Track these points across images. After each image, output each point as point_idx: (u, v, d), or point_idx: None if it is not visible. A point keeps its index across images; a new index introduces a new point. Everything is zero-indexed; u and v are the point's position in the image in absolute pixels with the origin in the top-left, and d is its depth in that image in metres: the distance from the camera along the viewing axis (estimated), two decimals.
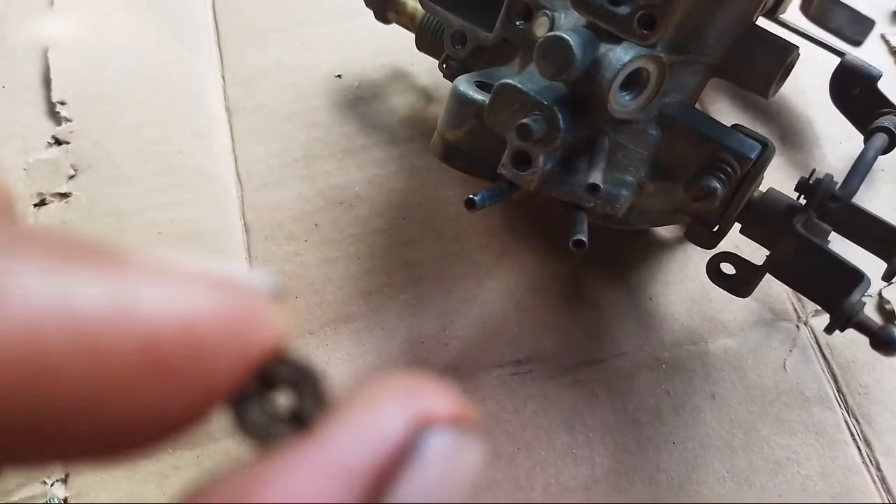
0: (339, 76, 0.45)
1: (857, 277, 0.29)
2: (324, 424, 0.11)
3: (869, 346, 0.35)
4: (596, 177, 0.29)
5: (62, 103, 0.44)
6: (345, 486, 0.11)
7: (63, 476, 0.36)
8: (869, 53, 0.43)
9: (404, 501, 0.11)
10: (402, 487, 0.11)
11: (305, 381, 0.12)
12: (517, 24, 0.33)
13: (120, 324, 0.10)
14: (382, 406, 0.12)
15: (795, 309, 0.38)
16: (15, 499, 0.36)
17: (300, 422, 0.12)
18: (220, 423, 0.12)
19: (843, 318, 0.28)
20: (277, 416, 0.12)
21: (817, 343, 0.37)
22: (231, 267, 0.12)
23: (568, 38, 0.28)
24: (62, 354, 0.10)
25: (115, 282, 0.10)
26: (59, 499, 0.36)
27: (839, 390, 0.36)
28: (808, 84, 0.43)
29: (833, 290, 0.29)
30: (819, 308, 0.36)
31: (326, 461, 0.11)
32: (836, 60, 0.41)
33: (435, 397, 0.12)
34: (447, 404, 0.12)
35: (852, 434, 0.35)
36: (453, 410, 0.12)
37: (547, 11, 0.32)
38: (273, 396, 0.12)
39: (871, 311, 0.38)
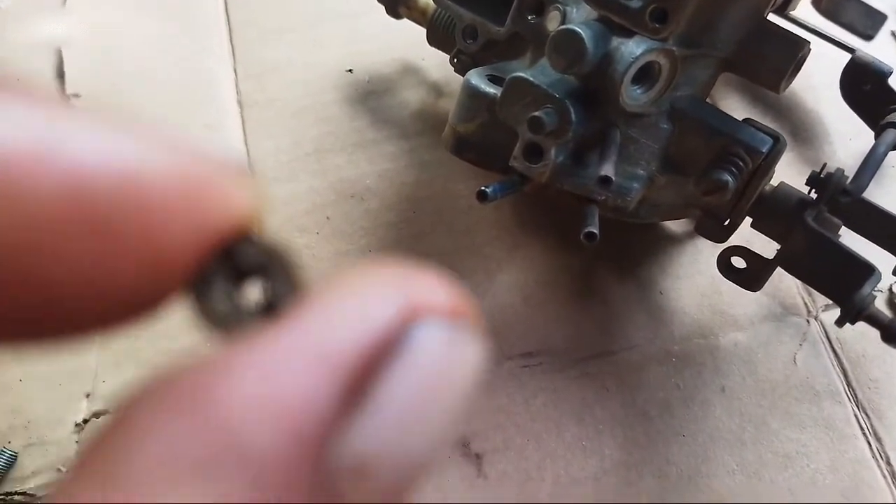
0: (349, 71, 0.45)
1: (867, 271, 0.29)
2: (299, 310, 0.09)
3: (879, 341, 0.35)
4: (608, 169, 0.29)
5: (76, 96, 0.44)
6: (324, 375, 0.09)
7: None
8: (880, 50, 0.43)
9: (390, 400, 0.09)
10: (387, 384, 0.09)
11: (276, 264, 0.11)
12: (529, 18, 0.34)
13: (42, 164, 0.09)
14: (368, 292, 0.10)
15: (806, 303, 0.38)
16: (30, 485, 0.36)
17: (270, 309, 0.10)
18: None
19: (853, 312, 0.28)
20: (244, 302, 0.10)
21: (827, 337, 0.37)
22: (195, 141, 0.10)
23: (580, 31, 0.28)
24: (20, 194, 0.08)
25: (41, 120, 0.09)
26: None
27: (849, 384, 0.36)
28: (818, 80, 0.43)
29: (844, 283, 0.29)
30: (829, 303, 0.36)
31: (303, 347, 0.09)
32: (847, 57, 0.41)
33: (429, 287, 0.10)
34: (443, 295, 0.10)
35: (862, 428, 0.35)
36: (450, 302, 0.10)
37: (558, 5, 0.33)
38: (239, 280, 0.10)
39: (881, 306, 0.38)
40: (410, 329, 0.09)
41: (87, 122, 0.10)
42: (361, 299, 0.09)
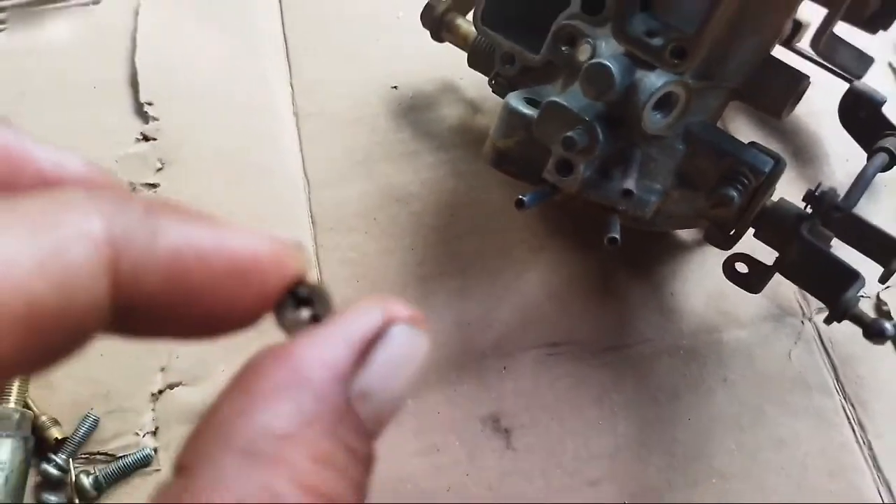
0: (395, 87, 0.50)
1: (853, 277, 0.33)
2: (333, 322, 0.19)
3: (865, 343, 0.39)
4: (630, 184, 0.33)
5: (150, 104, 0.49)
6: (348, 349, 0.18)
7: (153, 429, 0.41)
8: (876, 81, 0.47)
9: (379, 362, 0.18)
10: (378, 354, 0.18)
11: (320, 297, 0.20)
12: (562, 49, 0.38)
13: (218, 252, 0.18)
14: (366, 311, 0.18)
15: (801, 307, 0.42)
16: (111, 447, 0.41)
17: (316, 321, 0.20)
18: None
19: (840, 311, 0.33)
20: (301, 316, 0.19)
21: (820, 338, 0.41)
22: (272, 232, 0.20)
23: (609, 65, 0.32)
24: (191, 267, 0.17)
25: (215, 231, 0.18)
26: (150, 448, 0.41)
27: (838, 379, 0.40)
28: (819, 107, 0.48)
29: (833, 287, 0.33)
30: (822, 306, 0.40)
31: (335, 337, 0.18)
32: (845, 86, 0.45)
33: (399, 307, 0.19)
34: (406, 311, 0.19)
35: (848, 418, 0.39)
36: (410, 315, 0.19)
37: (589, 40, 0.37)
38: (299, 306, 0.19)
39: (869, 310, 0.42)
40: (390, 328, 0.18)
41: (230, 228, 0.19)
42: (364, 314, 0.19)
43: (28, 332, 0.15)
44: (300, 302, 0.20)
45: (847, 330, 0.41)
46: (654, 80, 0.33)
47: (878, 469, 0.38)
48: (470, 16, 0.44)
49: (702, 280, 0.43)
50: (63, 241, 0.15)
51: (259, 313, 0.19)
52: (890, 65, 0.50)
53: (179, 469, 0.17)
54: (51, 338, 0.15)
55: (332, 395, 0.17)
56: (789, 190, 0.39)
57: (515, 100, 0.38)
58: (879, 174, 0.45)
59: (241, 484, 0.16)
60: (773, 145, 0.36)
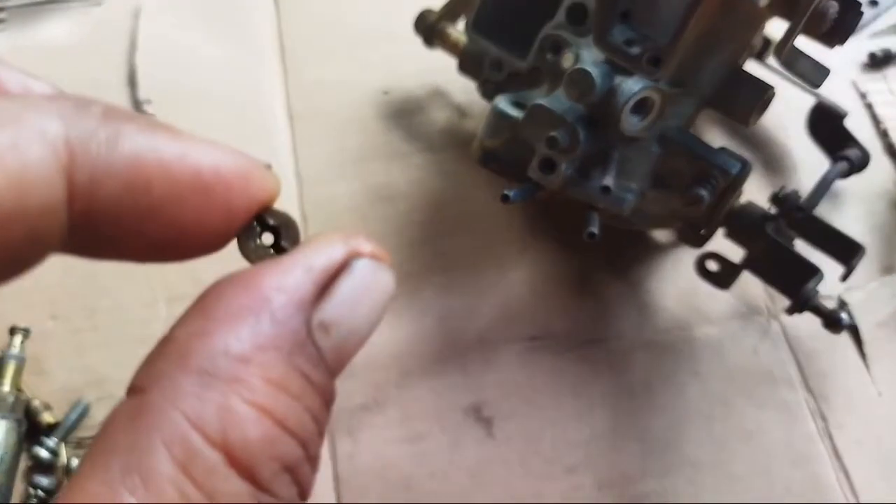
0: (386, 92, 0.52)
1: (813, 271, 0.36)
2: (296, 251, 0.18)
3: (829, 339, 0.42)
4: (608, 181, 0.36)
5: (148, 102, 0.51)
6: (309, 278, 0.17)
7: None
8: (841, 96, 0.51)
9: (341, 293, 0.18)
10: (340, 286, 0.18)
11: (287, 226, 0.20)
12: (547, 56, 0.40)
13: (182, 162, 0.17)
14: (331, 243, 0.18)
15: (767, 306, 0.45)
16: None
17: (281, 250, 0.19)
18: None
19: (801, 302, 0.35)
20: (266, 245, 0.19)
21: (785, 335, 0.44)
22: (241, 148, 0.20)
23: (591, 70, 0.35)
24: (152, 176, 0.17)
25: (177, 141, 0.17)
26: None
27: (802, 374, 0.43)
28: (788, 119, 0.51)
29: (794, 280, 0.36)
30: (787, 305, 0.43)
31: (302, 265, 0.18)
32: (813, 100, 0.48)
33: (362, 241, 0.19)
34: (370, 246, 0.19)
35: (811, 410, 0.42)
36: (373, 250, 0.19)
37: (573, 48, 0.40)
38: (264, 232, 0.19)
39: None
40: (353, 261, 0.18)
41: (195, 140, 0.18)
42: (328, 245, 0.18)
43: None
44: (267, 230, 0.19)
45: (811, 327, 0.43)
46: (632, 86, 0.35)
47: (839, 458, 0.40)
48: (460, 24, 0.47)
49: (675, 279, 0.45)
50: (20, 139, 0.15)
51: (223, 236, 0.19)
52: (854, 83, 0.53)
53: (133, 389, 0.16)
54: (5, 241, 0.15)
55: (291, 322, 0.17)
56: (759, 197, 0.41)
57: (503, 102, 0.40)
58: (844, 185, 0.48)
59: (196, 402, 0.15)
60: (744, 154, 0.38)
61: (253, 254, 0.19)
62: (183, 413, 0.15)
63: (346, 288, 0.18)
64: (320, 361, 0.17)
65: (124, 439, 0.15)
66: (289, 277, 0.17)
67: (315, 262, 0.18)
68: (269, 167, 0.19)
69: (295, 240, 0.19)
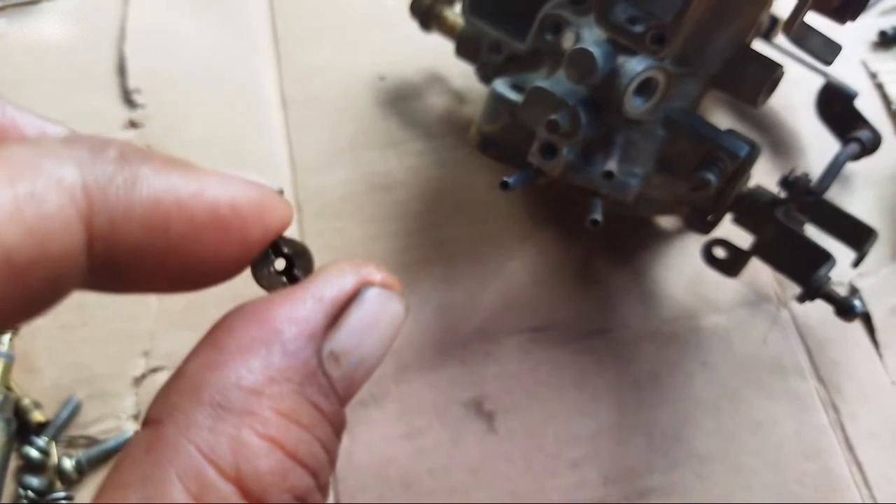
0: (382, 78, 0.51)
1: (825, 257, 0.34)
2: (309, 280, 0.19)
3: (840, 327, 0.40)
4: (611, 165, 0.34)
5: (137, 91, 0.49)
6: (320, 309, 0.18)
7: (135, 413, 0.41)
8: (850, 76, 0.49)
9: (351, 324, 0.18)
10: (350, 316, 0.18)
11: (300, 255, 0.20)
12: (547, 37, 0.39)
13: (199, 200, 0.18)
14: (341, 273, 0.19)
15: (777, 294, 0.43)
16: (92, 431, 0.41)
17: (293, 279, 0.20)
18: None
19: (812, 290, 0.34)
20: (280, 274, 0.20)
21: (795, 323, 0.42)
22: (254, 175, 0.20)
23: (592, 50, 0.33)
24: (170, 217, 0.17)
25: (193, 178, 0.18)
26: (131, 432, 0.41)
27: (812, 363, 0.41)
28: (797, 101, 0.49)
29: (805, 267, 0.34)
30: (797, 292, 0.41)
31: (313, 296, 0.18)
32: (822, 81, 0.47)
33: (374, 270, 0.19)
34: (381, 275, 0.19)
35: (822, 401, 0.40)
36: (384, 279, 0.19)
37: (573, 27, 0.38)
38: (277, 260, 0.20)
39: None
40: (363, 290, 0.19)
41: (210, 175, 0.18)
42: (339, 275, 0.19)
43: (3, 280, 0.15)
44: (281, 256, 0.20)
45: (821, 315, 0.42)
46: (635, 66, 0.34)
47: (851, 450, 0.39)
48: (457, 6, 0.45)
49: (682, 267, 0.44)
50: (37, 189, 0.15)
51: (241, 264, 0.19)
52: (863, 62, 0.52)
53: (149, 422, 0.17)
54: (26, 287, 0.15)
55: (302, 353, 0.17)
56: (768, 181, 0.40)
57: (501, 85, 0.38)
58: (854, 168, 0.47)
59: (209, 435, 0.16)
60: (752, 137, 0.36)
61: (266, 281, 0.19)
62: (196, 446, 0.16)
63: (356, 317, 0.18)
64: (331, 391, 0.18)
65: (139, 472, 0.15)
66: (300, 309, 0.18)
67: (326, 293, 0.18)
68: (281, 193, 0.20)
69: (308, 269, 0.20)
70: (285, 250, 0.20)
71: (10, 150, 0.16)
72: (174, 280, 0.18)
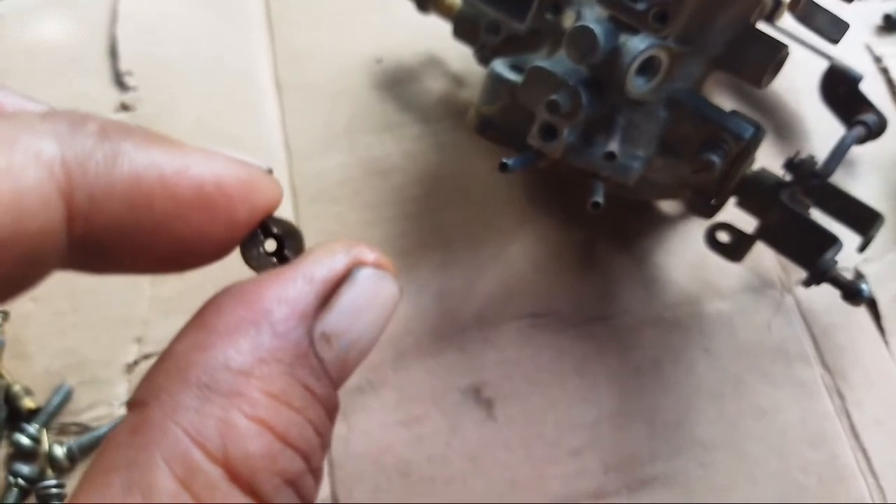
0: (379, 61, 0.50)
1: (831, 240, 0.33)
2: (299, 260, 0.18)
3: (845, 312, 0.40)
4: (613, 146, 0.33)
5: (129, 73, 0.49)
6: (314, 289, 0.17)
7: (128, 400, 0.40)
8: (855, 60, 0.48)
9: (343, 304, 0.18)
10: (342, 296, 0.18)
11: (290, 235, 0.19)
12: (547, 16, 0.38)
13: (183, 177, 0.17)
14: (332, 253, 0.18)
15: (781, 279, 0.43)
16: (84, 417, 0.40)
17: (284, 259, 0.19)
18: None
19: (818, 274, 0.33)
20: (269, 254, 0.19)
21: (799, 309, 0.42)
22: (242, 153, 0.19)
23: (593, 28, 0.32)
24: (153, 194, 0.16)
25: (177, 155, 0.17)
26: None
27: (817, 349, 0.41)
28: (800, 84, 0.48)
29: (811, 251, 0.34)
30: (802, 277, 0.41)
31: (303, 276, 0.18)
32: (826, 64, 0.46)
33: (365, 250, 0.19)
34: (373, 255, 0.19)
35: (827, 387, 0.40)
36: (377, 259, 0.19)
37: (574, 6, 0.37)
38: (267, 240, 0.19)
39: None
40: (355, 270, 0.18)
41: (194, 151, 0.17)
42: (330, 255, 0.18)
43: None
44: (271, 237, 0.19)
45: (826, 300, 0.41)
46: (638, 44, 0.33)
47: (857, 437, 0.38)
48: None
49: (684, 252, 0.43)
50: (14, 163, 0.15)
51: (227, 246, 0.18)
52: (867, 46, 0.51)
53: (134, 404, 0.16)
54: (2, 265, 0.15)
55: (292, 334, 0.17)
56: (771, 164, 0.39)
57: (500, 66, 0.38)
58: (859, 152, 0.46)
59: (196, 416, 0.15)
60: (754, 119, 0.36)
61: (256, 262, 0.19)
62: (183, 428, 0.15)
63: (348, 298, 0.18)
64: (322, 373, 0.17)
65: (124, 455, 0.15)
66: (290, 289, 0.17)
67: (317, 273, 0.18)
68: (270, 172, 0.19)
69: (298, 249, 0.19)
70: (275, 230, 0.19)
71: None
72: (159, 260, 0.18)
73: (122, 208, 0.16)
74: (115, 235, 0.16)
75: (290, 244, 0.19)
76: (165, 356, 0.17)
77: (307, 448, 0.17)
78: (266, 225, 0.19)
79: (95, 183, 0.16)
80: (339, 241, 0.19)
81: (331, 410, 0.18)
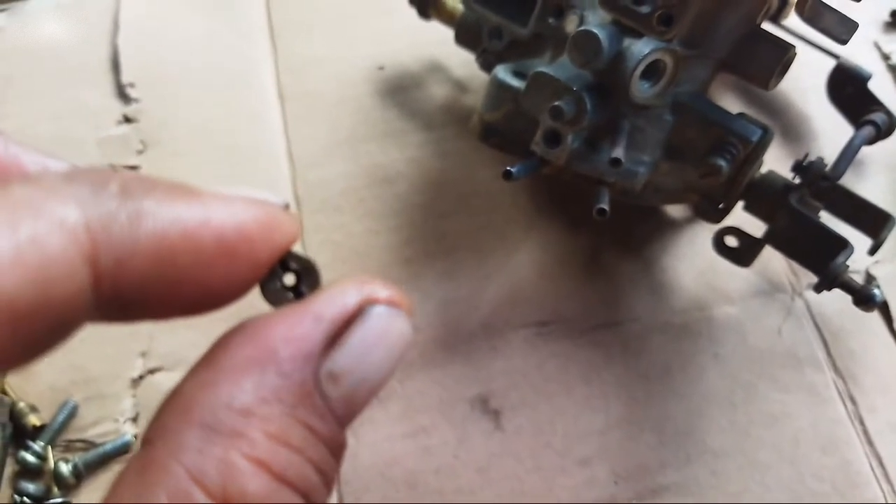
0: (381, 68, 0.49)
1: (842, 244, 0.33)
2: (313, 297, 0.18)
3: (856, 317, 0.39)
4: (619, 153, 0.33)
5: (131, 85, 0.48)
6: (322, 328, 0.18)
7: (133, 415, 0.40)
8: (862, 58, 0.48)
9: (353, 343, 0.18)
10: (352, 335, 0.18)
11: (307, 272, 0.20)
12: (550, 21, 0.38)
13: (205, 229, 0.17)
14: (344, 291, 0.18)
15: (791, 283, 0.42)
16: (89, 434, 0.40)
17: (300, 295, 0.20)
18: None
19: (830, 279, 0.32)
20: (286, 291, 0.20)
21: (810, 313, 0.41)
22: (258, 191, 0.19)
23: (597, 32, 0.32)
24: (177, 249, 0.17)
25: (198, 206, 0.17)
26: (130, 435, 0.40)
27: (829, 354, 0.40)
28: (807, 84, 0.48)
29: (822, 255, 0.33)
30: (812, 282, 0.40)
31: (312, 314, 0.18)
32: (833, 63, 0.45)
33: (379, 288, 0.19)
34: (387, 292, 0.19)
35: (839, 393, 0.39)
36: (389, 296, 0.19)
37: (577, 10, 0.37)
38: (285, 277, 0.19)
39: None
40: (367, 308, 0.18)
41: (214, 199, 0.18)
42: (341, 294, 0.18)
43: (6, 327, 0.14)
44: (289, 273, 0.20)
45: (837, 305, 0.40)
46: (642, 48, 0.32)
47: (870, 443, 0.38)
48: None
49: (692, 257, 0.43)
50: (38, 232, 0.15)
51: (250, 285, 0.19)
52: (875, 43, 0.50)
53: (144, 443, 0.16)
54: (31, 332, 0.15)
55: (297, 374, 0.17)
56: (778, 166, 0.39)
57: (503, 72, 0.37)
58: (868, 153, 0.45)
59: (198, 456, 0.16)
60: (762, 121, 0.35)
61: (273, 297, 0.19)
62: (185, 467, 0.16)
63: (357, 336, 0.18)
64: (327, 412, 0.17)
65: (131, 493, 0.16)
66: (297, 328, 0.17)
67: (326, 311, 0.18)
68: (287, 207, 0.20)
69: (314, 285, 0.20)
70: (293, 265, 0.19)
71: (11, 190, 0.15)
72: (184, 307, 0.18)
73: (148, 266, 0.16)
74: (141, 291, 0.17)
75: (306, 280, 0.20)
76: (174, 394, 0.17)
77: (306, 486, 0.17)
78: (284, 261, 0.19)
79: (120, 245, 0.16)
80: (353, 278, 0.19)
81: (335, 449, 0.18)
